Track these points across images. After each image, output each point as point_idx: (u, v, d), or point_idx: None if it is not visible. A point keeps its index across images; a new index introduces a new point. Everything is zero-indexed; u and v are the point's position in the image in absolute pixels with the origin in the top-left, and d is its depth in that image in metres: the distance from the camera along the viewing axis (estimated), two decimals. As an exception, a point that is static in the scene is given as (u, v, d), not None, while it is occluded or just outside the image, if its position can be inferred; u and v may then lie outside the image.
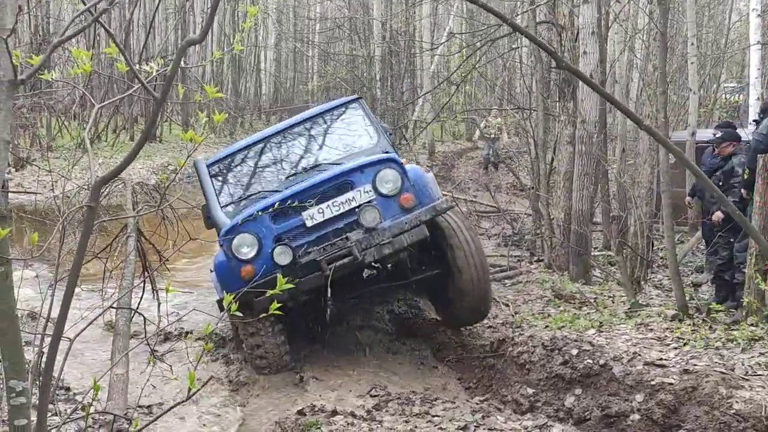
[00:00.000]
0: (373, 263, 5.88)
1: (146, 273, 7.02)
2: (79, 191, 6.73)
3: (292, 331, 6.12)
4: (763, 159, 5.50)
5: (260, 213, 5.59)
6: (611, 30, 8.84)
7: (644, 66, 8.76)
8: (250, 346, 5.82)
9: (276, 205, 5.51)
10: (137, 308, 4.83)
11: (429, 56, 21.54)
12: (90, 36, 18.94)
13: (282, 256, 5.52)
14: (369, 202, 5.63)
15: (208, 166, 6.53)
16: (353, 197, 5.66)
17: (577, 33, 8.73)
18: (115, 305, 4.92)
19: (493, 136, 18.49)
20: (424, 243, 5.76)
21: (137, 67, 2.41)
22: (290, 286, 2.24)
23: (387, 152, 6.25)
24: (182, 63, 2.53)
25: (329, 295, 5.45)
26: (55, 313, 3.06)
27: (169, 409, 2.16)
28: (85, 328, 3.00)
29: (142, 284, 6.89)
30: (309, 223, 5.62)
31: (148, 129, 1.97)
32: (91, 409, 3.26)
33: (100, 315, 2.90)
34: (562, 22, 9.08)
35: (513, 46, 15.44)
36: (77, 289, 5.73)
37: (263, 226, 5.62)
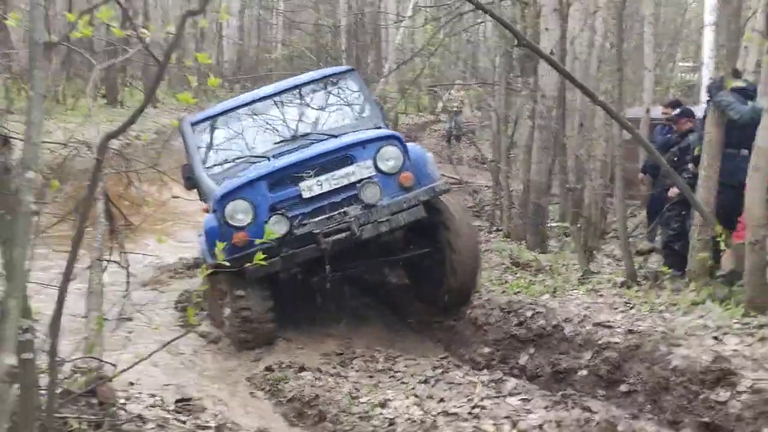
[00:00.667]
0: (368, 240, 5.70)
1: (113, 234, 7.07)
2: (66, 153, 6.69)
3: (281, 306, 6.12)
4: (708, 136, 5.81)
5: (259, 179, 5.51)
6: (572, 7, 9.08)
7: (602, 43, 9.05)
8: (236, 311, 5.62)
9: (275, 173, 5.45)
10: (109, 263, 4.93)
11: (394, 29, 21.58)
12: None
13: (278, 225, 5.34)
14: (369, 178, 5.57)
15: (193, 125, 6.36)
16: (353, 171, 5.58)
17: (540, 9, 8.96)
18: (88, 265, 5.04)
19: (455, 109, 18.71)
20: (418, 222, 5.71)
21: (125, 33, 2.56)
22: (278, 235, 2.42)
23: (379, 127, 6.23)
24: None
25: (328, 269, 5.39)
26: (37, 273, 3.23)
27: (162, 347, 2.35)
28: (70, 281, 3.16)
29: (110, 248, 6.96)
30: (306, 195, 5.52)
31: (151, 91, 2.14)
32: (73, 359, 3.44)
33: (87, 267, 3.07)
34: (525, -2, 9.31)
35: (478, 21, 15.61)
36: (45, 251, 5.75)
37: (259, 194, 5.50)
